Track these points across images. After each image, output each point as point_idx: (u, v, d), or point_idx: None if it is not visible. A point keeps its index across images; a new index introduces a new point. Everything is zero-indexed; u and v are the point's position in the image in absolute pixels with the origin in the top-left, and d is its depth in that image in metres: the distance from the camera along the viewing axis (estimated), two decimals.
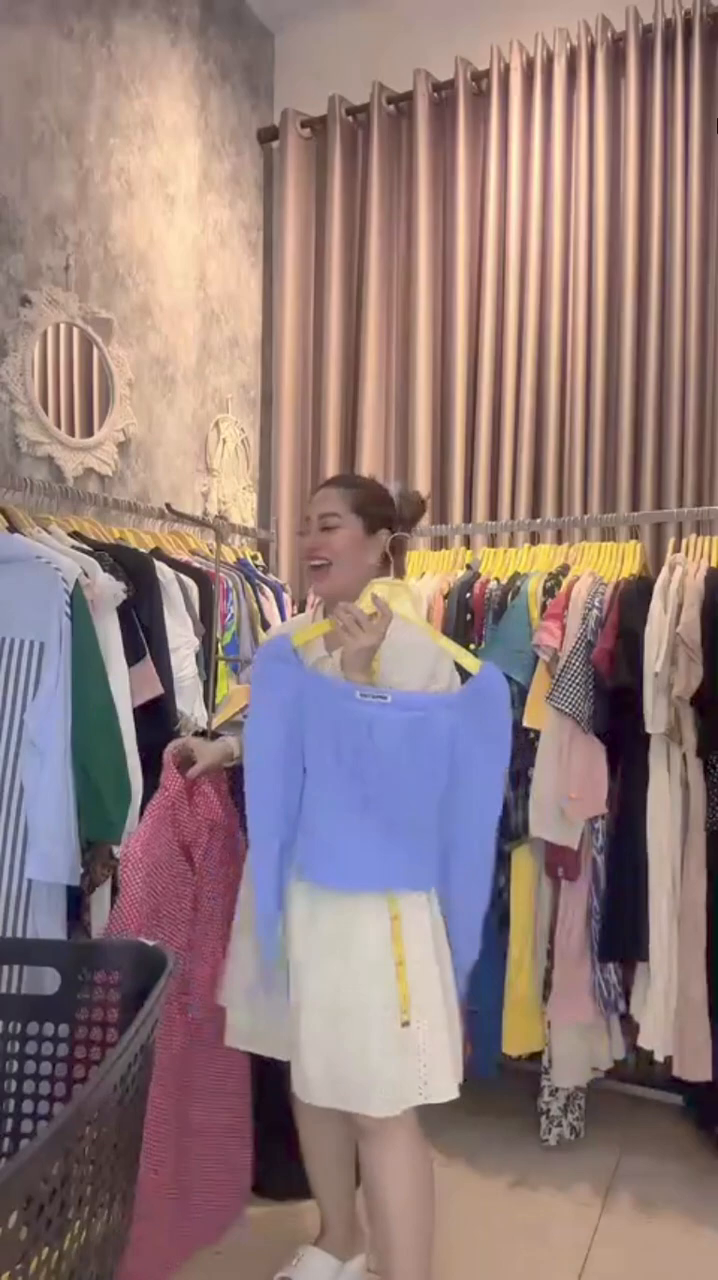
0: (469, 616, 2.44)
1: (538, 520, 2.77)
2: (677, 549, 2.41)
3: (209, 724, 2.22)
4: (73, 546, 2.06)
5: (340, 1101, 1.49)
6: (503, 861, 2.34)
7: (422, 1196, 1.55)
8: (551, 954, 2.28)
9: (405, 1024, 1.47)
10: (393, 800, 1.49)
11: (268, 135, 3.42)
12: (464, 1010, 1.74)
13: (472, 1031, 2.35)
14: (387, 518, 1.71)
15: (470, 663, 1.55)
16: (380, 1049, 1.46)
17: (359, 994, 1.48)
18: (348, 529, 1.67)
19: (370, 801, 1.49)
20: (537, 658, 2.27)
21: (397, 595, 1.56)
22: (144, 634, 2.11)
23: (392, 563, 1.73)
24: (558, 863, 2.24)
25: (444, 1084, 1.49)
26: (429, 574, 2.67)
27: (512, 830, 2.28)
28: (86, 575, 1.93)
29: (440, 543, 2.99)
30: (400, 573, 1.79)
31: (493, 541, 2.94)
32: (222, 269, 3.24)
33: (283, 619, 2.77)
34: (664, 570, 2.27)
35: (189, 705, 2.26)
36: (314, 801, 1.51)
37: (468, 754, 1.51)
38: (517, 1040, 2.29)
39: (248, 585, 2.70)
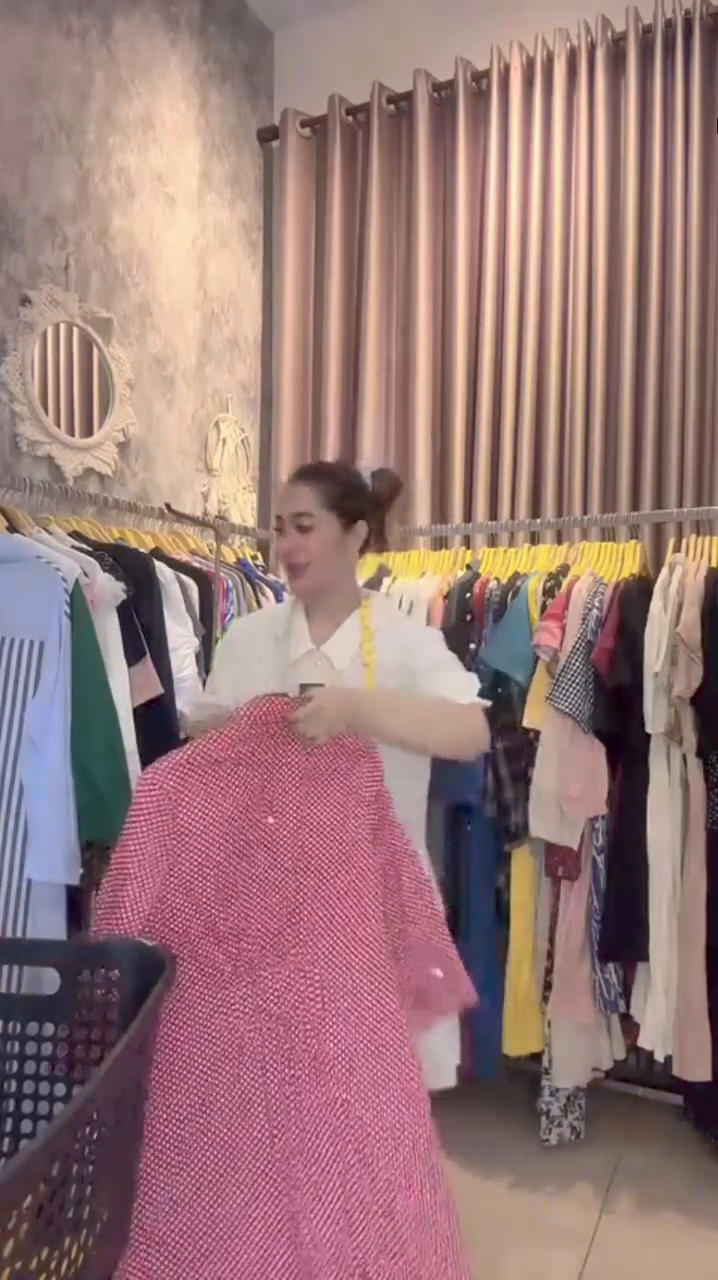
0: (469, 617, 2.44)
1: (538, 520, 2.77)
2: (677, 549, 2.41)
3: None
4: (73, 546, 2.06)
5: None
6: (503, 861, 2.34)
7: None
8: (550, 954, 2.28)
9: None
10: None
11: (268, 135, 3.42)
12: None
13: (472, 1031, 2.36)
14: (362, 509, 1.63)
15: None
16: None
17: None
18: (324, 529, 1.59)
19: None
20: (537, 658, 2.27)
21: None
22: (144, 634, 2.11)
23: (371, 548, 1.69)
24: (558, 863, 2.24)
25: None
26: (429, 574, 2.67)
27: (512, 830, 2.28)
28: (86, 575, 1.93)
29: (440, 543, 2.99)
30: (383, 546, 1.71)
31: (493, 541, 2.94)
32: (222, 269, 3.24)
33: None
34: (664, 570, 2.28)
35: (189, 705, 2.25)
36: None
37: None
38: (517, 1040, 2.29)
39: (248, 585, 2.70)
